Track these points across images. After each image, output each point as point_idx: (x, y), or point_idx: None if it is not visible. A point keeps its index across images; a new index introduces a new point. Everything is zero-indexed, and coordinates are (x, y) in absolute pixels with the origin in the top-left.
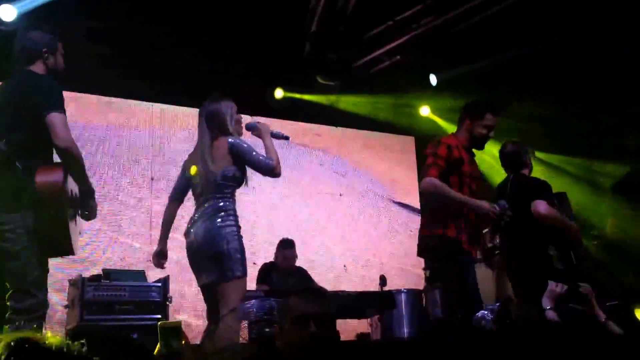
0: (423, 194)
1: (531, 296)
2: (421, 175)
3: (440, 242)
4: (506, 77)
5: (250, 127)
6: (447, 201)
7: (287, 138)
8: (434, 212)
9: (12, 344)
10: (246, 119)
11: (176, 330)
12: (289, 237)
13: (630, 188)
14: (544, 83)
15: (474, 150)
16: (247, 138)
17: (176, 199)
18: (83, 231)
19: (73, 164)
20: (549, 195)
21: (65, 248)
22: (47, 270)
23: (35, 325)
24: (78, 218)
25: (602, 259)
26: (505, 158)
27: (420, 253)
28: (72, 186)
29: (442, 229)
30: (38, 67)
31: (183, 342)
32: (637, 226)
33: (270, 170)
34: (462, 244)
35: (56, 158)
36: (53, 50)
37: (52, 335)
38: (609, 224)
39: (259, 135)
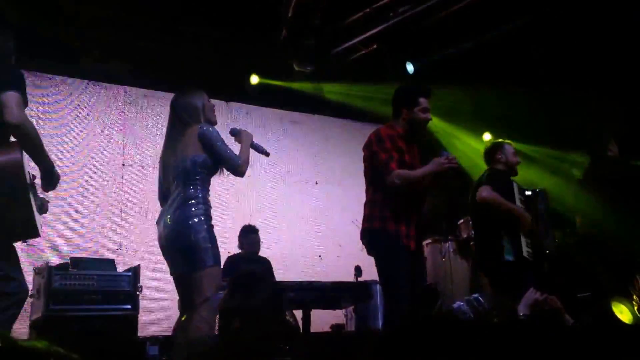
0: (393, 190)
1: (497, 288)
2: (378, 171)
3: (378, 236)
4: (483, 65)
5: (233, 133)
6: (414, 185)
7: (267, 154)
8: (374, 205)
9: None
10: (221, 105)
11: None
12: (262, 225)
13: (594, 179)
14: (519, 71)
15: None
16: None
17: (164, 196)
18: (44, 216)
19: (29, 142)
20: (496, 182)
21: (30, 230)
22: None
23: (16, 311)
24: (38, 199)
25: (578, 253)
26: (484, 156)
27: (364, 246)
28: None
29: (380, 223)
30: None
31: None
32: (606, 219)
33: (235, 166)
34: (400, 237)
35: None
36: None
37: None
38: (578, 220)
39: (239, 142)
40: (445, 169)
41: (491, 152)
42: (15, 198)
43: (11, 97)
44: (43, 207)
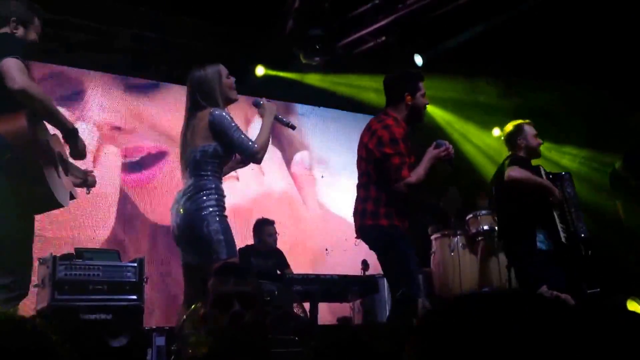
0: (405, 195)
1: (525, 280)
2: (388, 175)
3: (387, 233)
4: (492, 57)
5: (256, 104)
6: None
7: (293, 127)
8: (378, 203)
9: None
10: None
11: None
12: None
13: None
14: (532, 65)
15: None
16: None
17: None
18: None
19: (37, 106)
20: (522, 165)
21: (48, 201)
22: (31, 246)
23: (16, 304)
24: (61, 170)
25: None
26: (505, 141)
27: (366, 242)
28: (46, 136)
29: (387, 220)
30: (5, 30)
31: None
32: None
33: (251, 154)
34: (406, 230)
35: None
36: (24, 22)
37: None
38: (620, 208)
39: (261, 115)
40: (447, 158)
41: (511, 138)
42: (23, 169)
43: (10, 62)
44: (85, 181)
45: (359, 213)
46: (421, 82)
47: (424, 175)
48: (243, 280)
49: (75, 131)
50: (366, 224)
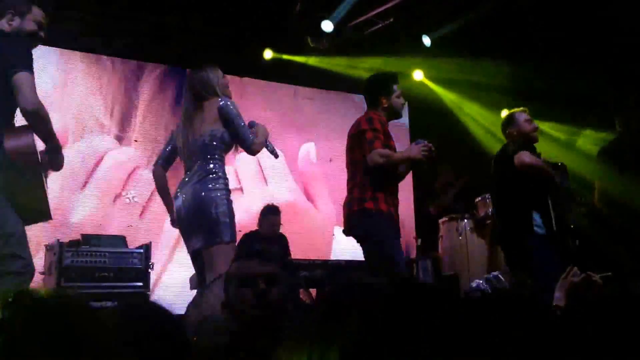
0: (373, 167)
1: (515, 263)
2: (364, 149)
3: (374, 217)
4: (499, 36)
5: (251, 126)
6: (394, 165)
7: (276, 156)
8: (363, 187)
9: (8, 299)
10: (234, 80)
11: None
12: (275, 204)
13: (617, 154)
14: (539, 42)
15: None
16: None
17: (161, 165)
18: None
19: (41, 126)
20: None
21: (44, 213)
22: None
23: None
24: (45, 180)
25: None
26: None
27: (351, 229)
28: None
29: (373, 203)
30: (2, 25)
31: None
32: (624, 194)
33: (249, 145)
34: (393, 216)
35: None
36: (20, 12)
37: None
38: (596, 190)
39: (255, 134)
40: (423, 157)
41: (504, 129)
42: (29, 185)
43: (24, 79)
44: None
45: (346, 203)
46: (395, 84)
47: (398, 160)
48: (267, 262)
49: (60, 147)
50: (353, 211)
